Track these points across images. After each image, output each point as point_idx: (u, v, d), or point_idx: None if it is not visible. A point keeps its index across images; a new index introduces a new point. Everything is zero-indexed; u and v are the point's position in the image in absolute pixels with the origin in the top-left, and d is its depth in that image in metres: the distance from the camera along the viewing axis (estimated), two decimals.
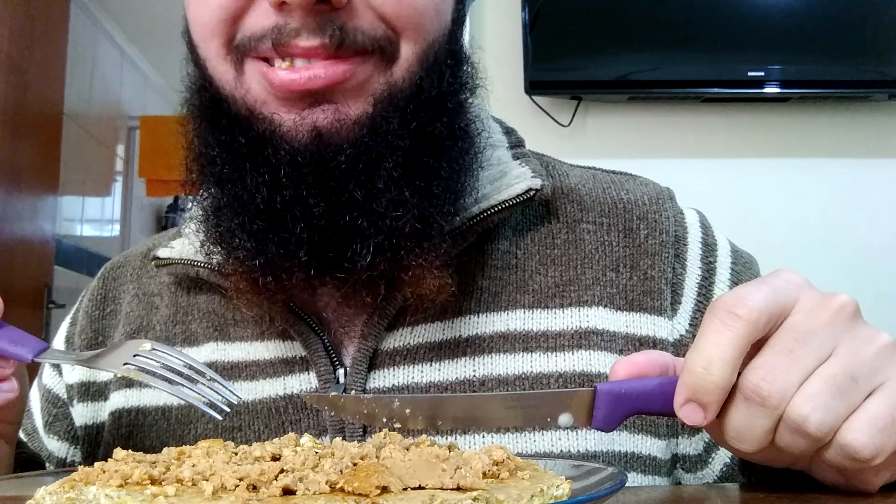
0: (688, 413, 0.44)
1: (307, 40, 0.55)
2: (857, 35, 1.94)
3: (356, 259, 0.56)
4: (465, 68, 0.63)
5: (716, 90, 1.95)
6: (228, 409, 0.53)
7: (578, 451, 0.61)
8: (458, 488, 0.36)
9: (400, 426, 0.45)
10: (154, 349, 0.54)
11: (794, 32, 1.93)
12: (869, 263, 1.97)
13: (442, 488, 0.36)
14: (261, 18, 0.56)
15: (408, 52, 0.58)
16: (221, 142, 0.58)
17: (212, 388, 0.54)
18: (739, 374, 0.44)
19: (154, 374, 0.53)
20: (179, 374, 0.53)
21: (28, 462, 0.70)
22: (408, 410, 0.45)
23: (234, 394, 0.54)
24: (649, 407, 0.47)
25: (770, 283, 0.44)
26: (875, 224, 2.00)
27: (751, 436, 0.44)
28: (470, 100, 0.64)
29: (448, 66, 0.60)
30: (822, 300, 0.44)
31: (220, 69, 0.59)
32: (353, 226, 0.56)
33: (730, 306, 0.43)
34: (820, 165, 2.03)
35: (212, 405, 0.53)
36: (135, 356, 0.53)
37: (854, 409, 0.42)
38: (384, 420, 0.45)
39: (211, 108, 0.60)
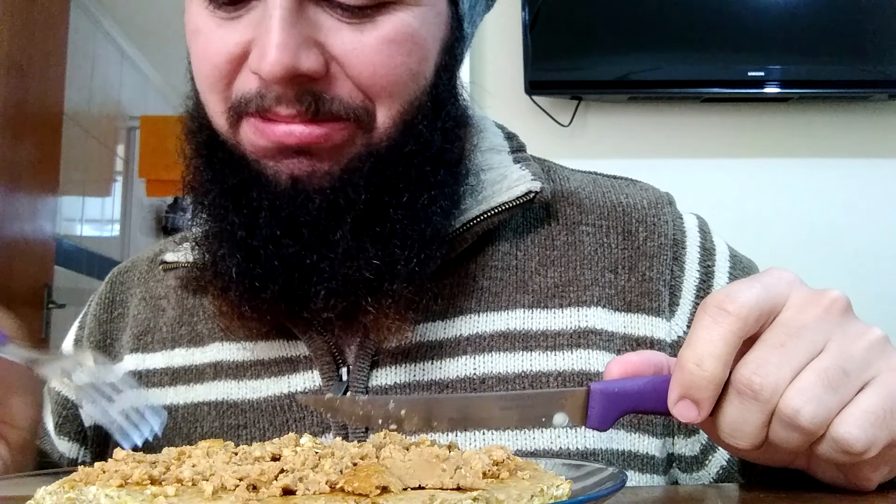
0: (682, 410, 0.45)
1: (286, 109, 0.57)
2: (857, 35, 1.94)
3: (314, 299, 0.59)
4: (451, 112, 0.65)
5: (716, 90, 1.95)
6: (140, 443, 0.55)
7: (577, 448, 0.62)
8: (458, 488, 0.36)
9: (396, 428, 0.46)
10: (96, 364, 0.56)
11: (794, 32, 1.93)
12: (868, 263, 1.97)
13: (442, 488, 0.36)
14: (247, 81, 0.59)
15: (384, 118, 0.60)
16: (214, 177, 0.62)
17: (133, 417, 0.57)
18: (732, 370, 0.44)
19: (87, 391, 0.56)
20: (116, 392, 0.56)
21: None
22: (403, 411, 0.45)
23: (152, 430, 0.57)
24: (643, 405, 0.47)
25: (761, 280, 0.45)
26: (875, 224, 2.00)
27: (745, 431, 0.44)
28: (460, 138, 0.66)
29: (428, 122, 0.62)
30: (814, 296, 0.45)
31: (218, 121, 0.62)
32: (315, 268, 0.59)
33: (720, 302, 0.43)
34: (820, 165, 2.02)
35: (128, 435, 0.56)
36: (77, 369, 0.56)
37: (846, 402, 0.43)
38: (380, 422, 0.46)
39: (208, 144, 0.63)
